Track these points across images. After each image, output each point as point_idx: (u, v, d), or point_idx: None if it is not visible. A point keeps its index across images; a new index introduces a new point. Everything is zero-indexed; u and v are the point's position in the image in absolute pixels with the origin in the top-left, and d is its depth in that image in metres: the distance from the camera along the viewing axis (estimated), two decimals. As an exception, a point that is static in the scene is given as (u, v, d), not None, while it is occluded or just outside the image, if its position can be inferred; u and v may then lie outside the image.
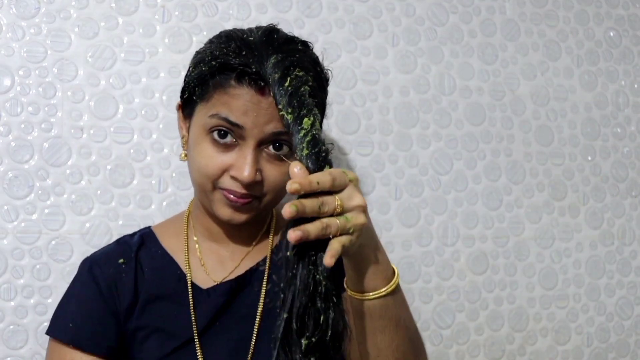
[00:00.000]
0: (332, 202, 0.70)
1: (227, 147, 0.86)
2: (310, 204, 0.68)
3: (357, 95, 1.31)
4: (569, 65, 1.45)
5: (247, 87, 0.84)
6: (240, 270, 0.96)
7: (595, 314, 1.45)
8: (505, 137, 1.40)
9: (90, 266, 0.97)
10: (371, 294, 0.77)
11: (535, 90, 1.42)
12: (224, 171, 0.87)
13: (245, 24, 1.25)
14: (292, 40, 0.89)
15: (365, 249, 0.76)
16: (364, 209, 0.72)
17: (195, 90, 0.89)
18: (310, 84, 0.81)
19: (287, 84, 0.79)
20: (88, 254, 1.02)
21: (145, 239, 1.00)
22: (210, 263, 0.97)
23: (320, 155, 0.73)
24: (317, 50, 1.28)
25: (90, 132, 1.18)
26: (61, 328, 0.93)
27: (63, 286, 1.02)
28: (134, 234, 1.02)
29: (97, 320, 0.93)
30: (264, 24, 1.25)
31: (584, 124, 1.46)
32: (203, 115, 0.88)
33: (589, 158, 1.46)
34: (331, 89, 1.29)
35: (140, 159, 1.20)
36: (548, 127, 1.43)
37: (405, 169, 1.34)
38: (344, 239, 0.70)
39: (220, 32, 0.92)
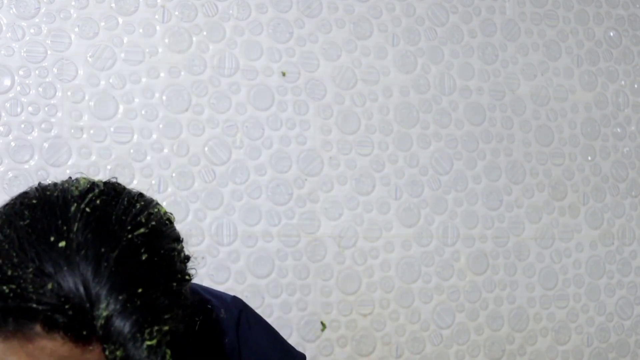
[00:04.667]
0: None
1: None
2: None
3: (357, 95, 1.31)
4: (569, 65, 1.45)
5: (62, 338, 0.53)
6: None
7: (595, 314, 1.45)
8: (505, 137, 1.40)
9: None
10: None
11: (536, 90, 1.42)
12: None
13: (245, 24, 1.25)
14: (131, 245, 0.56)
15: None
16: None
17: None
18: (170, 335, 0.54)
19: None
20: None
21: None
22: None
23: None
24: (317, 49, 1.30)
25: (90, 132, 1.18)
26: None
27: (63, 286, 1.02)
28: None
29: None
30: (264, 23, 1.26)
31: (584, 124, 1.46)
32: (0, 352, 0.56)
33: (589, 158, 1.46)
34: (331, 89, 1.29)
35: (140, 159, 1.20)
36: (548, 127, 1.43)
37: (405, 169, 1.34)
38: None
39: (10, 218, 0.58)
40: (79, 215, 0.56)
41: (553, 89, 1.44)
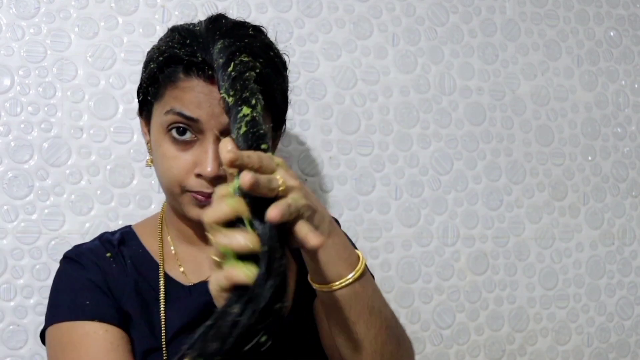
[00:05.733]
0: (275, 180, 0.63)
1: (188, 144, 0.84)
2: (263, 178, 0.61)
3: (357, 95, 1.31)
4: (569, 65, 1.45)
5: (197, 78, 0.81)
6: None
7: (595, 314, 1.45)
8: (506, 137, 1.40)
9: (78, 255, 0.94)
10: (337, 283, 0.71)
11: (536, 90, 1.42)
12: (189, 171, 0.84)
13: (245, 24, 1.25)
14: (242, 25, 0.86)
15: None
16: (301, 191, 0.65)
17: (149, 90, 0.87)
18: (259, 70, 0.76)
19: (230, 69, 0.75)
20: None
21: (126, 237, 0.98)
22: (188, 266, 0.95)
23: (257, 134, 0.67)
24: (317, 49, 1.29)
25: (90, 132, 1.18)
26: (78, 309, 0.87)
27: (63, 286, 1.02)
28: (115, 232, 1.00)
29: (107, 294, 0.89)
30: (264, 23, 1.26)
31: (585, 123, 1.45)
32: (159, 114, 0.85)
33: (589, 158, 1.46)
34: (331, 89, 1.29)
35: (140, 159, 1.20)
36: (548, 127, 1.43)
37: (405, 169, 1.34)
38: (291, 203, 0.63)
39: (169, 28, 0.90)
40: (208, 18, 0.88)
41: (553, 89, 1.44)
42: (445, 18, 1.37)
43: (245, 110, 0.69)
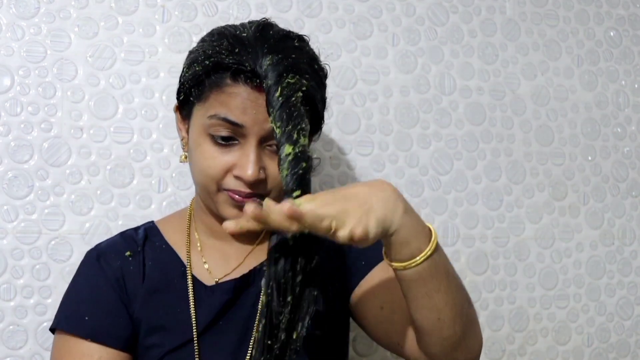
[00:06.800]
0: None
1: (229, 147, 0.86)
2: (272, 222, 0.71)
3: (357, 95, 1.31)
4: (569, 65, 1.45)
5: (244, 85, 0.83)
6: (244, 269, 0.96)
7: (595, 314, 1.45)
8: (506, 137, 1.40)
9: (98, 256, 0.96)
10: (418, 258, 0.75)
11: (536, 90, 1.42)
12: (227, 171, 0.86)
13: (245, 24, 1.25)
14: (288, 37, 0.87)
15: (388, 216, 0.74)
16: (318, 210, 0.70)
17: (191, 91, 0.88)
18: (305, 88, 0.81)
19: (278, 93, 0.79)
20: (88, 254, 1.02)
21: (149, 233, 0.99)
22: (213, 260, 0.97)
23: (295, 175, 0.76)
24: (316, 49, 1.29)
25: (90, 132, 1.18)
26: (76, 322, 0.91)
27: (63, 286, 1.02)
28: (138, 228, 1.01)
29: (111, 312, 0.92)
30: (264, 23, 1.26)
31: (585, 123, 1.45)
32: (201, 116, 0.87)
33: (590, 158, 1.46)
34: (331, 89, 1.29)
35: (140, 159, 1.20)
36: (548, 127, 1.43)
37: (405, 169, 1.34)
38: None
39: (213, 30, 0.91)
40: (255, 24, 0.88)
41: (553, 89, 1.44)
42: (445, 18, 1.37)
43: (287, 149, 0.77)
